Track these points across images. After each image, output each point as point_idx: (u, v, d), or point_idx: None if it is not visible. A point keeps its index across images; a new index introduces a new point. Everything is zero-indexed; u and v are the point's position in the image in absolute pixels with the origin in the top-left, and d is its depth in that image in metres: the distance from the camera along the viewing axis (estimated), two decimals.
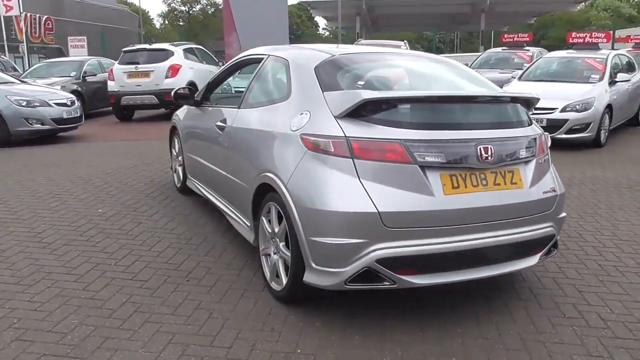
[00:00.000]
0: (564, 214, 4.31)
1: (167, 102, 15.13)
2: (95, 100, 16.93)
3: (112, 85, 15.72)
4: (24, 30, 26.20)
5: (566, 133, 10.33)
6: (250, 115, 4.90)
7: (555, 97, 10.44)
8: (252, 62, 5.60)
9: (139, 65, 15.63)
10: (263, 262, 4.46)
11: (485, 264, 3.87)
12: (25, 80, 14.76)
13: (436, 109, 3.91)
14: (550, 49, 21.08)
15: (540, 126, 4.47)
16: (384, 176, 3.61)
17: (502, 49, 19.21)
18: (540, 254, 4.12)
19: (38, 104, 11.83)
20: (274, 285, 4.25)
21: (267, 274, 4.36)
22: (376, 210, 3.53)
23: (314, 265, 3.72)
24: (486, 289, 4.39)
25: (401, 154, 3.61)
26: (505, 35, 22.29)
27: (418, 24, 65.38)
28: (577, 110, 10.43)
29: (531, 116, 4.36)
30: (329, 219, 3.61)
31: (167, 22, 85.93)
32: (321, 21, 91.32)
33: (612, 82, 11.50)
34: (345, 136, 3.68)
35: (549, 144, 4.35)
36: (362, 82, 4.40)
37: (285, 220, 3.94)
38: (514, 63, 17.31)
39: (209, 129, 5.64)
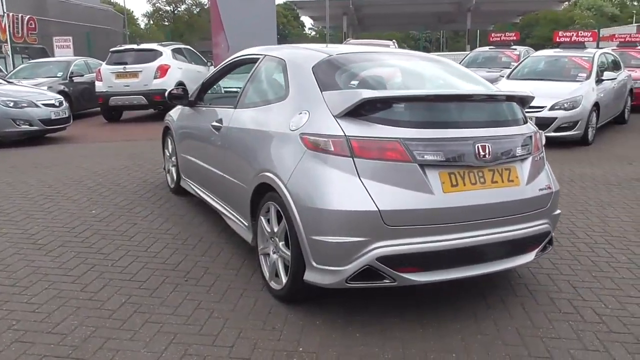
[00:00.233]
0: (558, 211, 4.36)
1: (156, 102, 15.16)
2: (83, 101, 16.83)
3: (100, 86, 15.62)
4: (7, 31, 26.02)
5: (555, 131, 10.41)
6: (247, 115, 4.91)
7: (543, 95, 10.48)
8: (247, 62, 5.60)
9: (127, 66, 15.56)
10: (262, 262, 4.47)
11: (484, 261, 3.91)
12: (10, 80, 14.66)
13: (435, 108, 3.95)
14: (535, 47, 21.25)
15: None
16: (384, 175, 3.64)
17: (490, 48, 19.32)
18: (536, 250, 4.18)
19: (25, 105, 11.77)
20: (273, 284, 4.26)
21: (267, 274, 4.38)
22: (377, 209, 3.56)
23: (314, 264, 3.74)
24: (482, 286, 4.44)
25: (401, 153, 3.64)
26: (493, 35, 22.38)
27: (404, 24, 65.56)
28: (565, 109, 10.52)
29: None
30: (329, 218, 3.64)
31: (152, 22, 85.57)
32: (307, 21, 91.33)
33: (598, 81, 11.59)
34: (345, 135, 3.70)
35: (544, 142, 4.41)
36: (360, 82, 4.43)
37: (285, 220, 3.96)
38: (501, 62, 17.42)
39: (205, 129, 5.64)
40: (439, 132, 3.79)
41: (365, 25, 63.93)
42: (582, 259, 5.04)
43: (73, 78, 16.78)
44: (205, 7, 68.86)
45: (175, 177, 7.07)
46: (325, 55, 4.54)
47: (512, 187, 3.94)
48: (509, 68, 14.51)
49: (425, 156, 3.67)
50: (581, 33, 17.64)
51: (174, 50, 16.66)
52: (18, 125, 11.64)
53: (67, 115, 12.68)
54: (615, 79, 12.44)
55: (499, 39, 21.13)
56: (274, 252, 4.27)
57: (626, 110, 13.88)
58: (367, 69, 4.72)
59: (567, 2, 60.19)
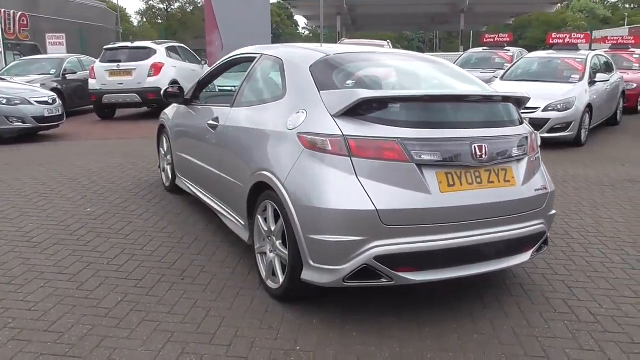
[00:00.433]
0: (554, 211, 4.39)
1: (150, 100, 15.15)
2: (76, 99, 16.75)
3: (93, 84, 15.57)
4: (0, 27, 25.90)
5: (548, 132, 10.44)
6: (244, 114, 4.92)
7: (536, 96, 10.48)
8: (243, 61, 5.60)
9: (121, 64, 15.52)
10: (259, 261, 4.48)
11: (480, 260, 3.93)
12: (3, 77, 14.60)
13: (432, 108, 3.97)
14: (528, 49, 21.27)
15: None
16: (382, 174, 3.66)
17: (483, 49, 19.37)
18: (532, 250, 4.20)
19: (19, 102, 11.72)
20: (270, 283, 4.27)
21: (263, 272, 4.38)
22: (374, 208, 3.57)
23: (312, 263, 3.75)
24: (478, 285, 4.46)
25: (398, 152, 3.66)
26: (486, 36, 22.42)
27: (398, 24, 65.56)
28: (558, 110, 10.56)
29: None
30: (327, 217, 3.65)
31: (145, 20, 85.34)
32: (301, 20, 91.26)
33: (591, 82, 11.65)
34: (343, 135, 3.71)
35: (539, 142, 4.43)
36: (357, 82, 4.44)
37: (283, 219, 3.96)
38: (495, 63, 17.47)
39: (201, 128, 5.64)
40: (436, 132, 3.81)
41: (359, 25, 63.90)
42: (577, 259, 5.07)
43: (66, 75, 16.72)
44: (199, 6, 68.80)
45: (170, 176, 7.07)
46: (323, 54, 4.55)
47: (509, 187, 3.97)
48: (502, 69, 14.56)
49: (422, 156, 3.69)
50: (574, 35, 17.71)
51: (168, 49, 16.63)
52: (11, 122, 11.58)
53: (60, 113, 12.63)
54: (608, 80, 12.51)
55: (492, 40, 21.18)
56: (270, 251, 4.27)
57: (618, 112, 13.96)
58: (364, 69, 4.73)
59: (559, 5, 60.31)
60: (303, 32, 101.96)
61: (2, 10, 28.83)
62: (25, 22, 31.76)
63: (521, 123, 4.30)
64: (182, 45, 18.78)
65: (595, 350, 3.57)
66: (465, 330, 3.79)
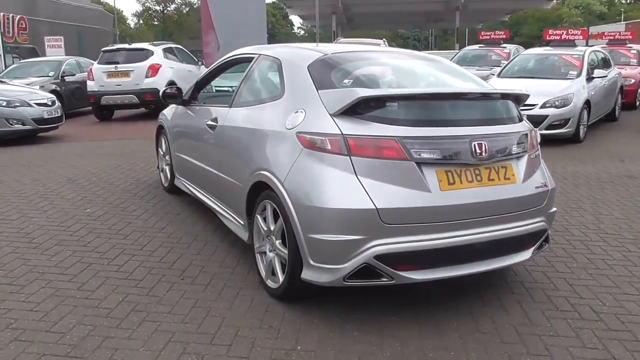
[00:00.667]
0: (554, 209, 4.39)
1: (148, 101, 15.17)
2: (74, 100, 16.77)
3: (91, 85, 15.58)
4: None
5: (546, 129, 10.43)
6: (243, 114, 4.91)
7: (534, 93, 10.44)
8: (241, 61, 5.59)
9: (118, 65, 15.54)
10: (258, 260, 4.47)
11: (481, 258, 3.93)
12: (3, 80, 14.61)
13: (431, 106, 3.97)
14: (524, 46, 21.30)
15: None
16: (381, 173, 3.65)
17: (479, 46, 19.37)
18: (533, 248, 4.19)
19: (18, 104, 11.75)
20: (270, 283, 4.27)
21: (263, 272, 4.38)
22: (374, 207, 3.57)
23: (312, 262, 3.75)
24: (479, 284, 4.45)
25: (397, 151, 3.65)
26: (482, 33, 22.44)
27: (393, 22, 65.68)
28: (556, 106, 10.56)
29: None
30: (327, 216, 3.64)
31: (141, 21, 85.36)
32: (296, 20, 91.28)
33: (589, 78, 11.64)
34: (342, 134, 3.71)
35: (539, 139, 4.43)
36: (355, 80, 4.43)
37: (282, 218, 3.96)
38: (491, 60, 17.48)
39: (199, 128, 5.64)
40: (436, 130, 3.81)
41: (354, 24, 63.98)
42: (578, 256, 5.06)
43: (65, 77, 16.71)
44: (195, 7, 68.80)
45: (169, 176, 7.06)
46: (321, 54, 4.55)
47: (509, 185, 3.96)
48: (499, 66, 14.57)
49: (422, 154, 3.68)
50: (571, 31, 17.73)
51: (165, 50, 16.65)
52: (11, 124, 11.61)
53: (59, 115, 12.66)
54: (605, 76, 12.47)
55: (488, 37, 21.19)
56: (270, 251, 4.27)
57: (617, 108, 13.96)
58: (362, 68, 4.72)
59: (555, 1, 60.37)
60: (298, 31, 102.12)
61: (1, 14, 28.81)
62: (23, 26, 31.78)
63: (520, 120, 4.30)
64: (179, 46, 18.79)
65: (598, 348, 3.56)
66: (466, 329, 3.79)
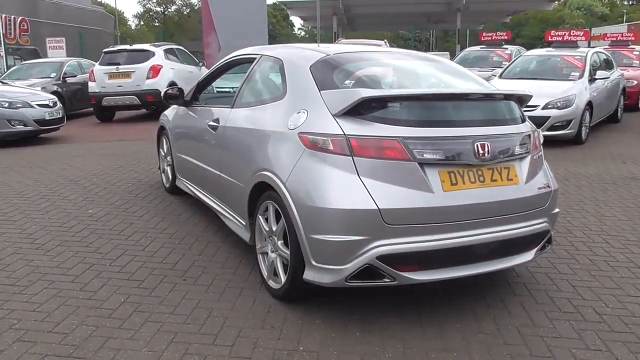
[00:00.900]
0: (557, 210, 4.37)
1: (149, 102, 15.19)
2: (76, 101, 16.82)
3: (93, 86, 15.63)
4: (1, 32, 25.89)
5: (548, 130, 10.39)
6: (244, 115, 4.91)
7: (536, 94, 10.43)
8: (243, 62, 5.59)
9: (120, 66, 15.58)
10: (260, 261, 4.47)
11: (483, 259, 3.91)
12: (5, 81, 14.63)
13: (434, 107, 3.96)
14: (525, 47, 21.27)
15: None
16: (384, 173, 3.65)
17: (481, 47, 19.36)
18: (536, 249, 4.18)
19: (20, 105, 11.78)
20: (272, 283, 4.26)
21: (265, 273, 4.37)
22: (376, 207, 3.56)
23: (314, 263, 3.74)
24: (481, 285, 4.45)
25: (400, 151, 3.65)
26: (484, 34, 22.46)
27: (394, 23, 65.66)
28: (558, 108, 10.54)
29: None
30: (329, 217, 3.64)
31: (142, 23, 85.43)
32: (296, 21, 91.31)
33: (591, 80, 11.63)
34: (344, 134, 3.70)
35: (542, 140, 4.42)
36: (358, 81, 4.43)
37: (284, 219, 3.95)
38: (492, 61, 17.46)
39: (201, 129, 5.64)
40: (438, 131, 3.80)
41: (355, 25, 63.90)
42: (581, 257, 5.05)
43: (66, 79, 16.77)
44: (196, 8, 68.84)
45: (170, 177, 7.06)
46: (323, 54, 4.54)
47: (512, 185, 3.95)
48: (500, 67, 14.55)
49: (424, 155, 3.68)
50: (573, 32, 17.71)
51: (166, 51, 16.68)
52: (13, 125, 11.64)
53: (61, 116, 12.69)
54: (608, 77, 12.47)
55: (490, 38, 21.19)
56: (272, 251, 4.26)
57: (619, 109, 13.95)
58: (364, 68, 4.71)
59: (556, 2, 60.33)
60: (299, 32, 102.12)
61: (3, 16, 28.83)
62: (25, 27, 31.78)
63: (523, 121, 4.29)
64: (180, 47, 18.81)
65: (602, 350, 3.55)
66: (469, 330, 3.78)
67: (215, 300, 4.22)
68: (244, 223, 4.74)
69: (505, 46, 18.97)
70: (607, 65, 13.27)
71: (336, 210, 3.62)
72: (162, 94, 6.45)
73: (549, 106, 10.53)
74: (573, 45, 14.19)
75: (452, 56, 26.24)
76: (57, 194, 7.26)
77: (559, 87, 11.07)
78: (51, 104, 12.44)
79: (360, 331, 3.76)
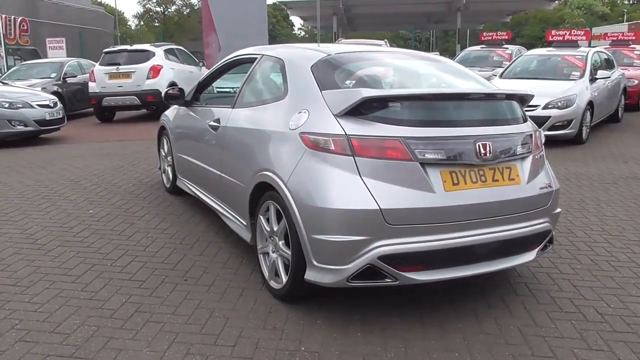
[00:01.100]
0: (559, 210, 4.37)
1: (149, 102, 15.19)
2: (76, 102, 16.84)
3: (93, 87, 15.63)
4: (1, 33, 25.91)
5: (549, 130, 10.38)
6: (245, 115, 4.90)
7: (537, 94, 10.42)
8: (244, 62, 5.59)
9: (120, 66, 15.58)
10: (261, 261, 4.47)
11: (485, 259, 3.91)
12: (5, 82, 14.63)
13: (435, 106, 3.95)
14: (526, 46, 21.26)
15: None
16: (385, 173, 3.64)
17: (481, 47, 19.34)
18: (537, 249, 4.17)
19: (21, 106, 11.78)
20: (273, 283, 4.26)
21: (266, 273, 4.37)
22: (378, 207, 3.56)
23: (315, 263, 3.74)
24: (482, 285, 4.44)
25: (402, 151, 3.64)
26: (484, 34, 22.42)
27: (394, 23, 65.59)
28: (559, 107, 10.53)
29: None
30: (331, 217, 3.63)
31: (142, 23, 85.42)
32: (296, 21, 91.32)
33: (592, 79, 11.61)
34: (346, 134, 3.70)
35: (543, 140, 4.41)
36: (359, 81, 4.42)
37: (285, 219, 3.95)
38: (493, 61, 17.45)
39: (202, 129, 5.63)
40: (440, 131, 3.79)
41: (355, 25, 63.89)
42: (582, 257, 5.05)
43: (66, 79, 16.79)
44: (196, 8, 68.85)
45: (171, 177, 7.06)
46: (324, 54, 4.54)
47: (513, 185, 3.95)
48: (501, 67, 14.54)
49: (426, 155, 3.67)
50: (574, 32, 17.68)
51: (167, 51, 16.67)
52: (13, 126, 11.64)
53: (61, 116, 12.69)
54: (609, 77, 12.47)
55: (490, 38, 21.16)
56: (273, 251, 4.26)
57: (620, 109, 13.94)
58: (365, 68, 4.70)
59: (557, 1, 60.31)
60: (299, 32, 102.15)
61: (3, 16, 28.84)
62: (25, 27, 31.80)
63: (525, 121, 4.28)
64: (180, 47, 18.81)
65: (604, 350, 3.55)
66: (470, 330, 3.77)
67: (217, 300, 4.22)
68: (245, 223, 4.73)
69: (505, 46, 18.96)
70: (608, 64, 13.27)
71: (337, 211, 3.62)
72: (162, 94, 6.45)
73: (550, 106, 10.52)
74: (574, 44, 14.17)
75: (452, 56, 26.20)
76: (57, 194, 7.26)
77: (560, 86, 11.06)
78: (51, 104, 12.44)
79: (361, 331, 3.76)
